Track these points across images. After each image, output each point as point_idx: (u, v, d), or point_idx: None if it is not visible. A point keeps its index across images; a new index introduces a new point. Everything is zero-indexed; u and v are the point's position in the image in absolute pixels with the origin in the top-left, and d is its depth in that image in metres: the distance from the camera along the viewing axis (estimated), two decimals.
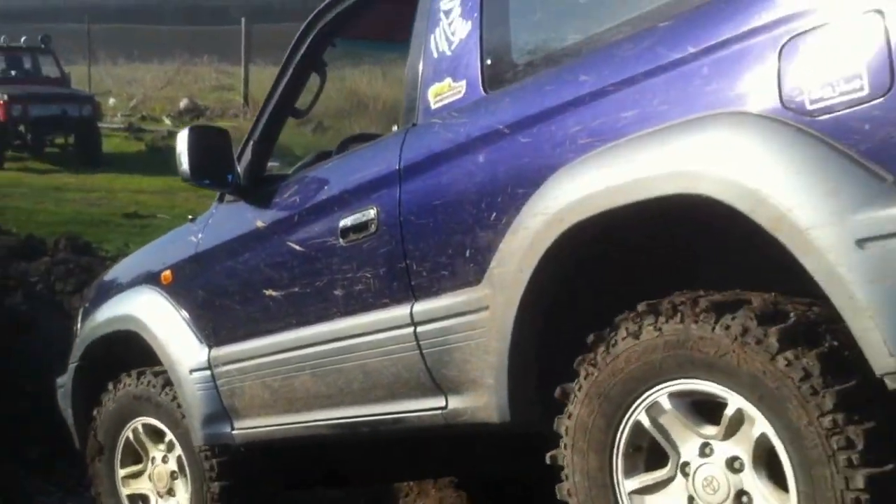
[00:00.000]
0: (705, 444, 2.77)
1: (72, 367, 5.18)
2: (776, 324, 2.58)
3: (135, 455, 4.91)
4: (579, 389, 2.99)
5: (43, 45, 21.44)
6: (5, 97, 18.97)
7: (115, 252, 10.64)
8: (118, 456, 4.95)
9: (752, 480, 2.67)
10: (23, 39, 21.56)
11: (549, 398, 3.10)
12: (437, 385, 3.48)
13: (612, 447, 2.93)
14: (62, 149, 19.57)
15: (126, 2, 34.05)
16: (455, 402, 3.43)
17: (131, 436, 4.86)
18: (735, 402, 2.66)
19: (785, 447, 2.57)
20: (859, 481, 2.44)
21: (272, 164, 4.41)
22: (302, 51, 4.18)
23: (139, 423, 4.82)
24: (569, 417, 3.02)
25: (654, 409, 2.84)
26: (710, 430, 2.76)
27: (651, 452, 2.90)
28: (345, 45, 4.30)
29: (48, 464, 6.45)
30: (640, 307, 2.87)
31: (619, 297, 2.96)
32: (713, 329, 2.67)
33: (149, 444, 4.84)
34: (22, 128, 19.04)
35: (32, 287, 8.84)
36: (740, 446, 2.69)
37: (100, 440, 4.98)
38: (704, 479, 2.76)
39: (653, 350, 2.80)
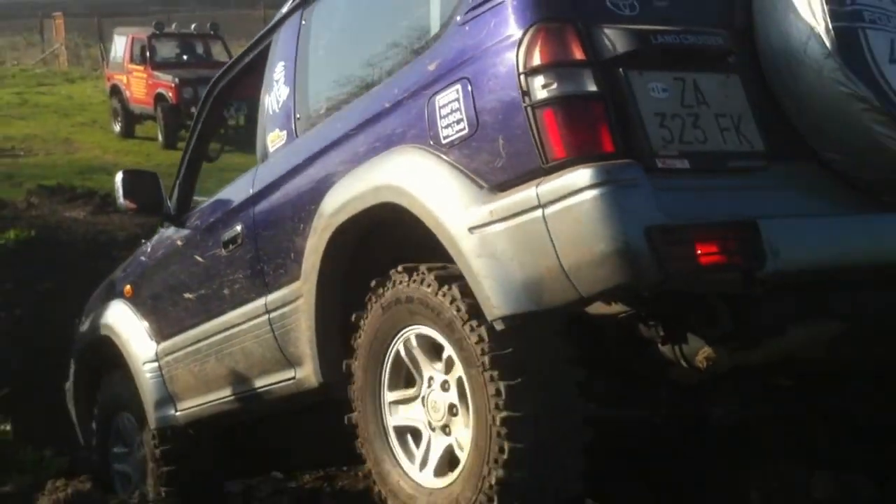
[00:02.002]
0: (430, 378, 3.71)
1: (71, 371, 6.39)
2: (455, 282, 3.51)
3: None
4: (360, 335, 3.93)
5: (212, 32, 22.96)
6: (177, 81, 20.38)
7: None
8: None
9: (456, 398, 3.59)
10: (193, 26, 23.18)
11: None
12: (288, 360, 4.47)
13: (381, 367, 3.87)
14: (235, 130, 20.86)
15: None
16: (299, 373, 4.41)
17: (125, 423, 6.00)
18: (441, 338, 3.61)
19: (460, 362, 3.50)
20: (501, 392, 3.33)
21: (199, 199, 5.60)
22: (206, 110, 5.40)
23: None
24: (357, 347, 3.95)
25: (407, 344, 3.76)
26: (438, 365, 3.68)
27: (408, 375, 3.82)
28: (237, 103, 5.42)
29: None
30: (383, 278, 3.81)
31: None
32: (420, 287, 3.63)
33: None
34: (194, 109, 20.24)
35: None
36: (449, 374, 3.62)
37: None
38: (431, 402, 3.70)
39: (394, 304, 3.76)
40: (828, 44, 3.27)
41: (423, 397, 3.75)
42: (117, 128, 21.22)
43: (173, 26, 23.02)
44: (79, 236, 9.70)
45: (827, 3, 3.29)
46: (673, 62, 3.24)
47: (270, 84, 4.72)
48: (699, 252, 3.00)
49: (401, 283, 3.73)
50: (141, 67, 21.38)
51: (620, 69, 3.19)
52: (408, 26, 4.05)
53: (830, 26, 3.27)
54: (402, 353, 3.79)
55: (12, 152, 17.86)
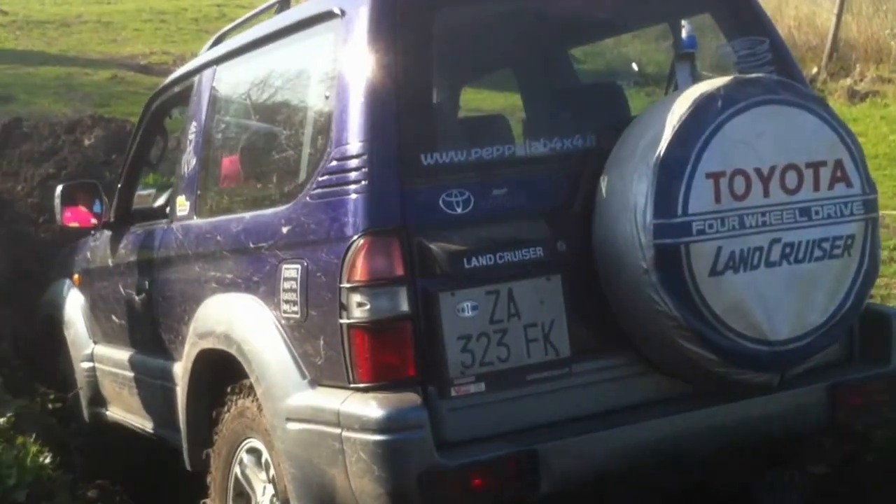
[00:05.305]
0: (264, 486, 3.73)
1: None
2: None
3: None
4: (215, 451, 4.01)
5: None
6: None
7: None
8: None
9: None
10: None
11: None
12: (174, 425, 4.48)
13: (227, 490, 3.93)
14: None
15: None
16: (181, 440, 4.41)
17: None
18: (261, 446, 3.68)
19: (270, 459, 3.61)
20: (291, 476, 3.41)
21: (147, 192, 5.47)
22: (147, 120, 5.13)
23: None
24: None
25: (241, 464, 3.81)
26: (264, 475, 3.72)
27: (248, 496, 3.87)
28: (180, 114, 5.24)
29: None
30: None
31: None
32: (247, 401, 3.71)
33: None
34: None
35: None
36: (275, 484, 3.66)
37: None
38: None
39: (234, 419, 3.82)
40: (647, 259, 3.16)
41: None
42: None
43: None
44: None
45: (655, 216, 3.14)
46: (489, 276, 3.20)
47: (186, 138, 4.48)
48: (474, 486, 3.10)
49: (233, 402, 3.82)
50: None
51: (434, 289, 3.15)
52: (286, 157, 3.82)
53: (652, 242, 3.14)
54: (239, 475, 3.85)
55: None
